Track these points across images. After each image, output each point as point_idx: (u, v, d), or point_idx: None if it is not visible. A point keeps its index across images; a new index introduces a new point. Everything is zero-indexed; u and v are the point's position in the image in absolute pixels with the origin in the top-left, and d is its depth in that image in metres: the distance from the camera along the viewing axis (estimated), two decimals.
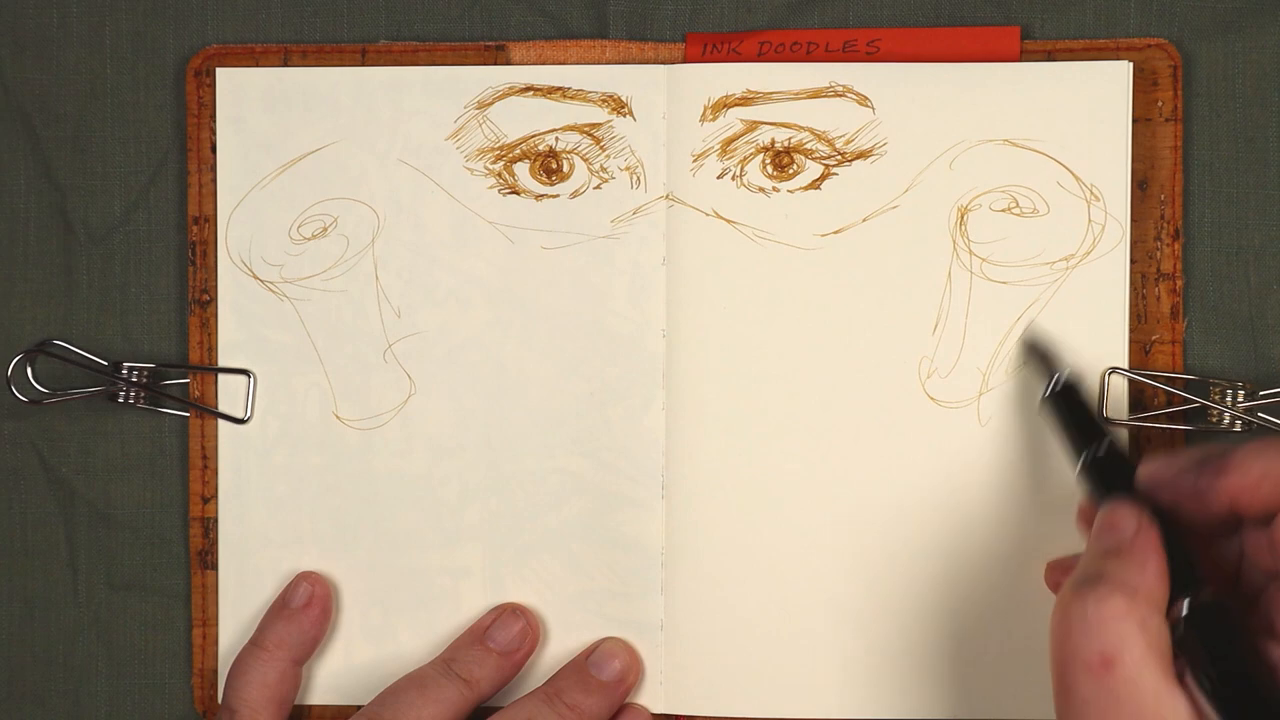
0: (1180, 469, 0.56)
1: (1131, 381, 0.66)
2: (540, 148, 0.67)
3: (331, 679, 0.68)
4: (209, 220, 0.68)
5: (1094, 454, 0.60)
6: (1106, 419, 0.65)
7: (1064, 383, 0.63)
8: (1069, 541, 0.65)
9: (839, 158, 0.66)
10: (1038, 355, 0.65)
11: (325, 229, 0.68)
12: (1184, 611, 0.53)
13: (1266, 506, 0.53)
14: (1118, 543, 0.55)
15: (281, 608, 0.67)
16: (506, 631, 0.66)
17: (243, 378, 0.68)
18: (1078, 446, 0.61)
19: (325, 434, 0.68)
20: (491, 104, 0.67)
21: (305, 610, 0.67)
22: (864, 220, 0.66)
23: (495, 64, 0.68)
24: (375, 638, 0.68)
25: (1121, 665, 0.51)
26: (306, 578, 0.67)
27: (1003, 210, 0.66)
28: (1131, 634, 0.52)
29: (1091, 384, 0.65)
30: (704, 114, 0.67)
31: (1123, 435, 0.66)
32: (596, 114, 0.67)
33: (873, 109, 0.66)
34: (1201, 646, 0.53)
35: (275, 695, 0.66)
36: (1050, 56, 0.67)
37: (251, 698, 0.66)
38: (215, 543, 0.68)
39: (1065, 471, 0.65)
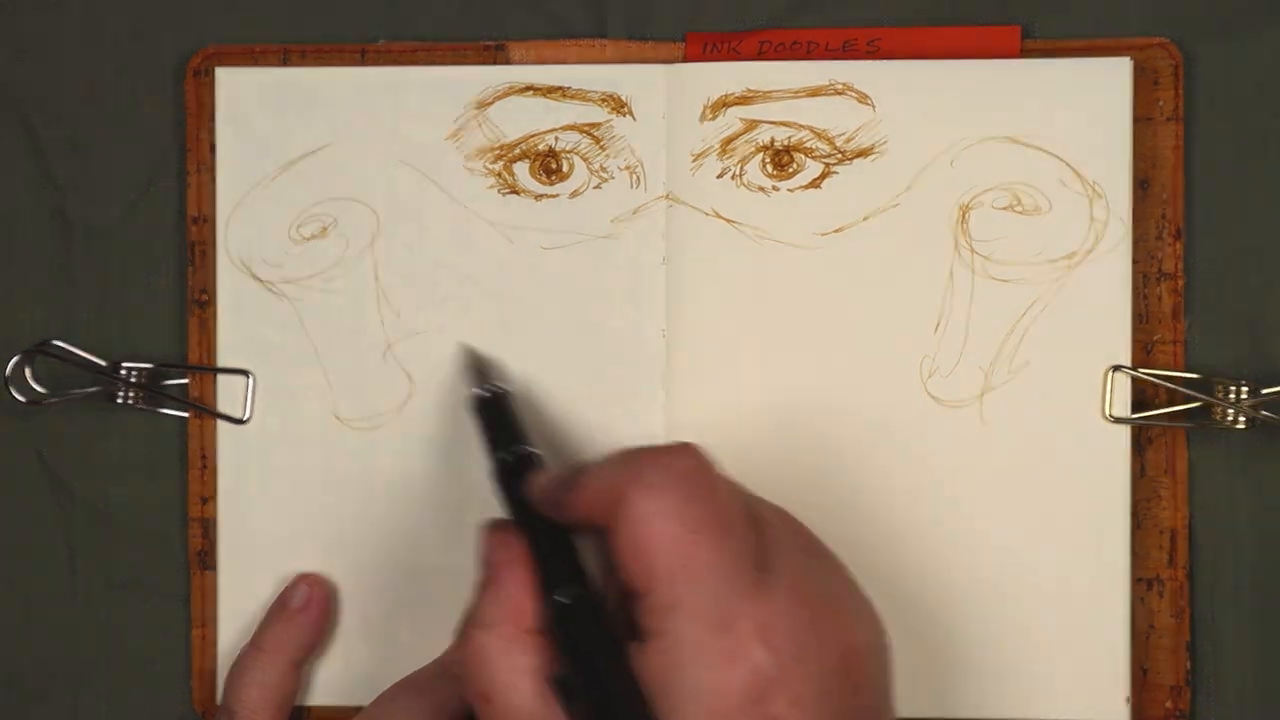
0: (550, 483, 0.57)
1: (1135, 381, 0.66)
2: (540, 147, 0.67)
3: (331, 679, 0.68)
4: (208, 220, 0.68)
5: (502, 462, 0.60)
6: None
7: (492, 392, 0.64)
8: (1069, 540, 0.65)
9: (839, 156, 0.66)
10: (475, 363, 0.65)
11: (325, 229, 0.68)
12: (547, 616, 0.54)
13: (606, 519, 0.54)
14: (485, 574, 0.56)
15: (280, 609, 0.67)
16: None
17: (242, 378, 0.68)
18: (490, 452, 0.62)
19: (325, 434, 0.68)
20: (491, 104, 0.67)
21: (304, 611, 0.67)
22: (865, 219, 0.66)
23: (495, 64, 0.68)
24: (375, 638, 0.68)
25: (494, 697, 0.53)
26: (305, 579, 0.67)
27: (1004, 208, 0.66)
28: (496, 666, 0.54)
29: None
30: (704, 113, 0.67)
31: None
32: (596, 114, 0.67)
33: (873, 107, 0.66)
34: (555, 648, 0.54)
35: (274, 697, 0.66)
36: (1051, 56, 0.67)
37: (250, 699, 0.65)
38: (214, 543, 0.68)
39: (1068, 470, 0.65)
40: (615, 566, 0.54)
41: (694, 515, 0.53)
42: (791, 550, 0.55)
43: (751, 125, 0.66)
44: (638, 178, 0.67)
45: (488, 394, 0.64)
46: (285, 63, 0.68)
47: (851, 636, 0.54)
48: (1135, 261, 0.66)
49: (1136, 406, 0.66)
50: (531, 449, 0.61)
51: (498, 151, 0.67)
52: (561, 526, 0.56)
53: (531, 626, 0.54)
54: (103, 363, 0.69)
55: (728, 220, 0.67)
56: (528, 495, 0.58)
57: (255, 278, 0.68)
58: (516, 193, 0.67)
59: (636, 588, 0.53)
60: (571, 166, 0.67)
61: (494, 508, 0.67)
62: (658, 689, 0.51)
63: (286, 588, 0.67)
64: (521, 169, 0.67)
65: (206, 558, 0.68)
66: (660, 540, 0.52)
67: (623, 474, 0.54)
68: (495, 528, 0.57)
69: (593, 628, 0.54)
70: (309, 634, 0.67)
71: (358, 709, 0.66)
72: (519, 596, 0.55)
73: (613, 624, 0.54)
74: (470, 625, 0.55)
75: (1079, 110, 0.65)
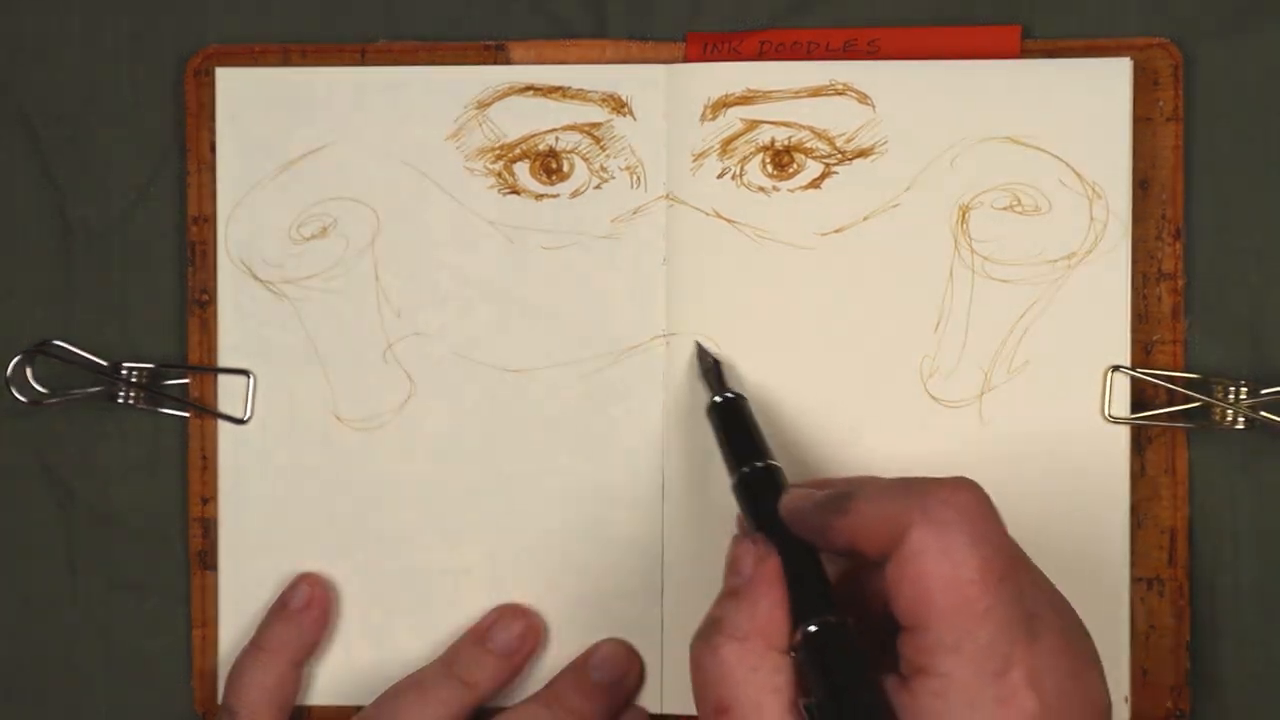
0: (811, 505, 0.56)
1: (1134, 381, 0.66)
2: (540, 147, 0.67)
3: (331, 679, 0.68)
4: (208, 220, 0.68)
5: (745, 475, 0.59)
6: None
7: (730, 398, 0.63)
8: (1069, 540, 0.65)
9: (839, 156, 0.66)
10: (713, 364, 0.65)
11: (325, 229, 0.68)
12: (798, 640, 0.53)
13: (880, 550, 0.53)
14: (735, 584, 0.55)
15: (281, 609, 0.67)
16: (507, 633, 0.66)
17: (242, 378, 0.68)
18: (733, 465, 0.61)
19: (325, 434, 0.68)
20: (491, 104, 0.67)
21: (304, 612, 0.67)
22: (865, 219, 0.66)
23: (495, 64, 0.68)
24: (375, 638, 0.68)
25: (734, 712, 0.52)
26: (306, 579, 0.67)
27: (1004, 208, 0.66)
28: (741, 681, 0.53)
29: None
30: (704, 113, 0.67)
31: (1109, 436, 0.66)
32: (596, 114, 0.67)
33: (873, 107, 0.66)
34: (810, 673, 0.53)
35: (275, 697, 0.66)
36: (1051, 56, 0.67)
37: (251, 699, 0.65)
38: (215, 543, 0.68)
39: (1067, 470, 0.65)
40: (882, 597, 0.53)
41: (981, 556, 0.52)
42: (1050, 599, 0.54)
43: (752, 125, 0.66)
44: (638, 178, 0.67)
45: (728, 400, 0.63)
46: (285, 63, 0.68)
47: (1099, 691, 0.53)
48: (1135, 261, 0.66)
49: (1136, 406, 0.66)
50: (775, 463, 0.60)
51: (498, 151, 0.67)
52: (811, 547, 0.56)
53: (783, 646, 0.54)
54: (103, 363, 0.69)
55: (728, 220, 0.67)
56: (782, 513, 0.57)
57: (255, 278, 0.68)
58: (516, 193, 0.67)
59: (910, 623, 0.52)
60: (572, 166, 0.67)
61: (487, 507, 0.67)
62: None
63: (287, 588, 0.67)
64: (522, 169, 0.67)
65: (206, 558, 0.68)
66: (946, 580, 0.51)
67: (905, 506, 0.53)
68: (749, 539, 0.56)
69: (846, 657, 0.53)
70: (310, 634, 0.67)
71: (358, 709, 0.66)
72: (774, 614, 0.54)
73: (863, 653, 0.53)
74: (718, 634, 0.54)
75: (1079, 110, 0.65)
